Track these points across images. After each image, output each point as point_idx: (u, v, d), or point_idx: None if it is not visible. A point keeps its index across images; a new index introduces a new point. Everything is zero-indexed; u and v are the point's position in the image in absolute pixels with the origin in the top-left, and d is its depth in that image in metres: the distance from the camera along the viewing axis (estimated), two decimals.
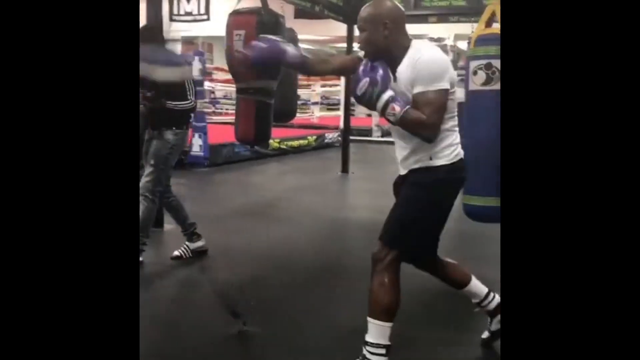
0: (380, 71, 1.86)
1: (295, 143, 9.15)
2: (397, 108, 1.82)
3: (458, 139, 2.00)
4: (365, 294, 1.96)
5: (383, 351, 1.90)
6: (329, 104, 14.66)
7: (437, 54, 1.90)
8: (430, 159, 1.94)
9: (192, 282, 3.20)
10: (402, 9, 2.03)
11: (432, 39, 13.11)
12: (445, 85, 1.85)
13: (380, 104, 1.84)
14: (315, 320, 2.58)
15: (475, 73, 2.75)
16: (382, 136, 11.78)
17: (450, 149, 1.95)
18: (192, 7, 12.58)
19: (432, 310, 2.74)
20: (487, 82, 2.73)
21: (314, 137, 9.91)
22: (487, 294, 2.20)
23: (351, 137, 7.63)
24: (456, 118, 1.98)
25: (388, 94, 1.83)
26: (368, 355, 1.91)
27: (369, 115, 11.99)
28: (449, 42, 11.37)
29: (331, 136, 10.33)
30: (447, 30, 10.91)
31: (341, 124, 9.35)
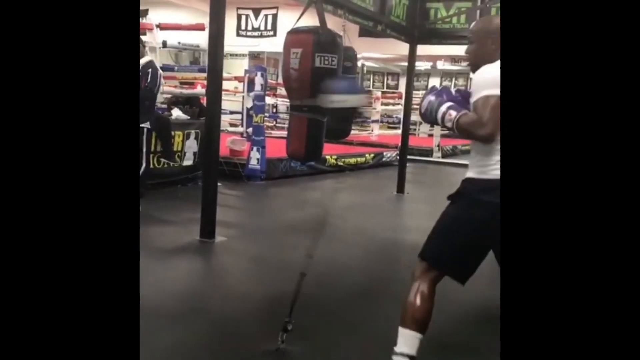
0: (440, 89, 2.03)
1: (353, 160, 9.14)
2: (454, 113, 1.93)
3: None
4: None
5: None
6: (390, 122, 14.60)
7: (493, 67, 1.94)
8: (482, 172, 1.95)
9: (237, 293, 3.23)
10: None
11: None
12: (498, 92, 1.84)
13: (440, 114, 1.96)
14: (355, 340, 2.55)
15: None
16: (442, 157, 11.60)
17: (498, 165, 1.91)
18: (259, 23, 12.92)
19: (472, 340, 2.65)
20: None
21: (372, 155, 9.87)
22: None
23: (411, 157, 7.55)
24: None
25: (446, 104, 1.96)
26: None
27: (431, 136, 11.85)
28: None
29: (390, 155, 10.26)
30: None
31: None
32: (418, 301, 1.95)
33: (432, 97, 2.00)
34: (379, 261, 4.11)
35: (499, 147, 1.89)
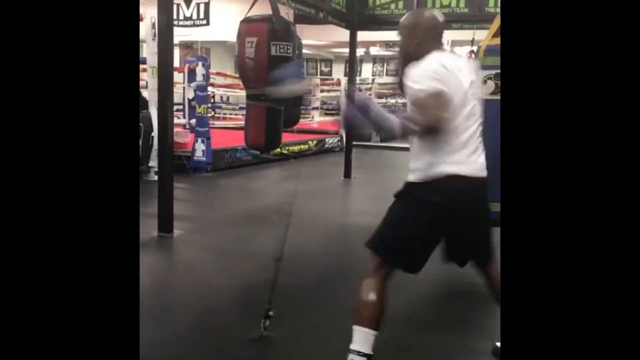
0: (373, 108, 1.82)
1: (297, 148, 9.17)
2: (407, 121, 1.83)
3: (440, 156, 1.90)
4: None
5: None
6: (328, 109, 14.72)
7: (428, 62, 1.88)
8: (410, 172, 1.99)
9: (208, 286, 3.22)
10: (440, 19, 2.04)
11: None
12: (424, 86, 1.81)
13: (397, 127, 1.81)
14: (333, 322, 2.61)
15: (484, 82, 2.86)
16: (380, 142, 11.82)
17: (422, 165, 1.93)
18: (191, 12, 12.61)
19: (445, 316, 2.78)
20: (496, 91, 2.85)
21: (315, 142, 9.94)
22: None
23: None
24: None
25: (392, 115, 1.82)
26: None
27: None
28: (447, 47, 11.49)
29: (331, 141, 10.37)
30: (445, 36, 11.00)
31: (342, 130, 9.39)
32: (371, 299, 1.95)
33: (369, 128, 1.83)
34: (342, 245, 4.19)
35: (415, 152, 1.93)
